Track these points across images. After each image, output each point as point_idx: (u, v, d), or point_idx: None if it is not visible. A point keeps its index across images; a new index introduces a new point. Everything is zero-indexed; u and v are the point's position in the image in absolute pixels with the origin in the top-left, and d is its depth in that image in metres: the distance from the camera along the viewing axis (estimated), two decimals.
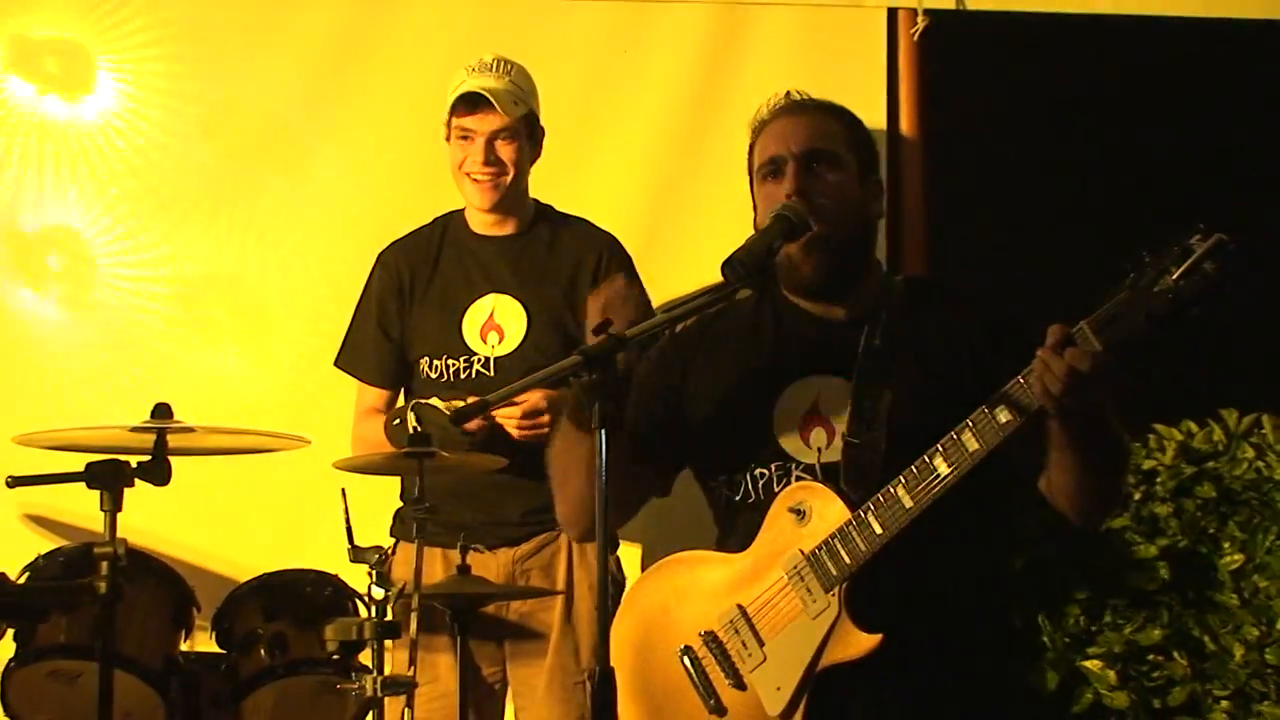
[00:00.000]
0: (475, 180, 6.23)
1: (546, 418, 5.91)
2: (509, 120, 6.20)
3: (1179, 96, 8.10)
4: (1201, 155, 8.19)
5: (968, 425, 4.13)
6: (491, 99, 6.17)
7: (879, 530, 4.19)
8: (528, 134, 6.30)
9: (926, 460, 4.18)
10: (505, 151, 6.21)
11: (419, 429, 5.70)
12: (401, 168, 7.16)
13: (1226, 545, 6.80)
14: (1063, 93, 8.01)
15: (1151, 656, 6.73)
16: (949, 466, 4.13)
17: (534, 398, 5.78)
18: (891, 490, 4.21)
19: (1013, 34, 7.29)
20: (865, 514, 4.22)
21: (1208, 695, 6.69)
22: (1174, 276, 3.82)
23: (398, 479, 6.26)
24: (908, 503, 4.17)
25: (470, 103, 6.20)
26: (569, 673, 6.14)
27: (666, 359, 4.76)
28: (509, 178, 6.22)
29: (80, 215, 7.11)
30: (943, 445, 4.16)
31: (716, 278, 4.22)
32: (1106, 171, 8.19)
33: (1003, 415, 4.08)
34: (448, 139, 6.35)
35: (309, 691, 5.83)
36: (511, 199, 6.28)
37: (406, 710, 5.59)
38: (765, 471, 4.51)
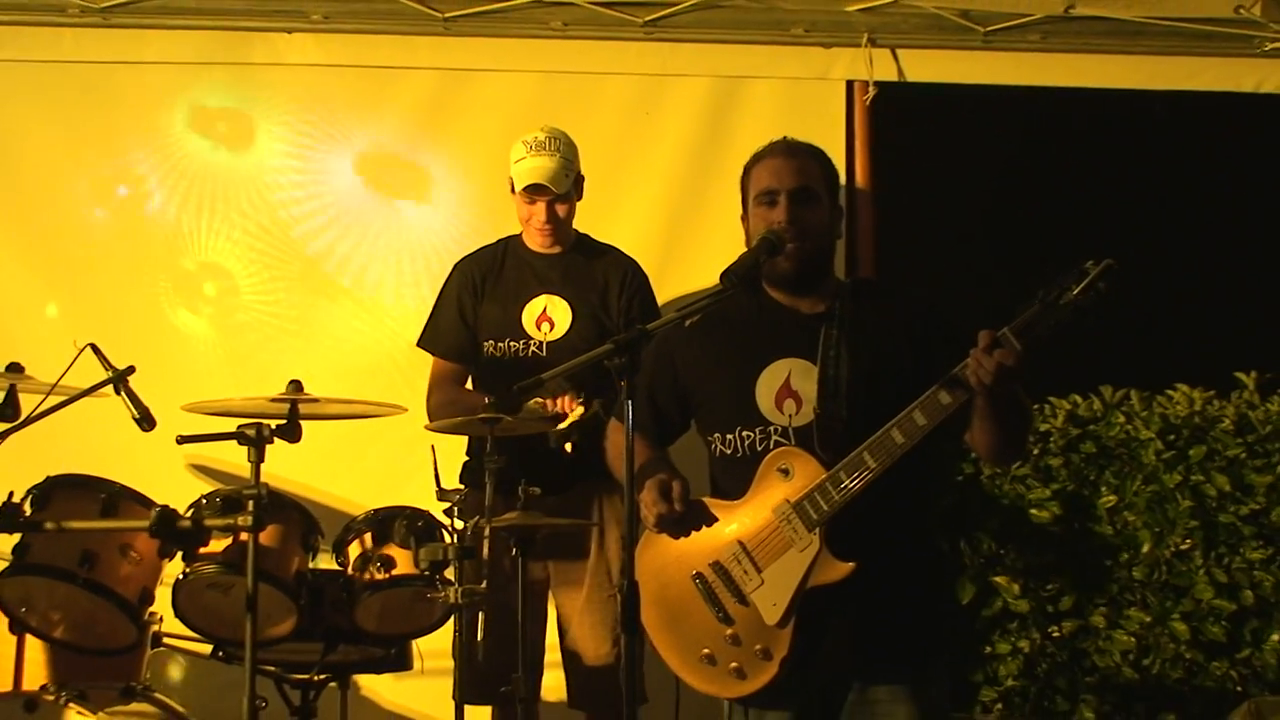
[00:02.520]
0: (539, 231, 6.41)
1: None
2: (561, 193, 6.35)
3: (1075, 150, 8.45)
4: (1092, 194, 8.55)
5: (917, 405, 4.35)
6: (549, 185, 6.31)
7: (849, 484, 4.40)
8: (574, 191, 6.44)
9: (886, 432, 4.36)
10: (560, 210, 6.38)
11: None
12: (473, 200, 7.30)
13: (1103, 489, 7.05)
14: (983, 145, 8.24)
15: (1045, 573, 6.93)
16: (904, 437, 4.35)
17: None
18: (859, 454, 4.40)
19: (944, 100, 7.42)
20: (838, 472, 4.42)
21: (1089, 602, 6.92)
22: (1074, 293, 4.11)
23: (467, 440, 6.35)
24: (872, 464, 4.38)
25: (537, 189, 6.31)
26: (602, 588, 6.26)
27: (659, 358, 4.89)
28: (562, 227, 6.43)
29: (230, 252, 7.31)
30: (898, 421, 4.35)
31: (715, 284, 4.52)
32: (1018, 206, 8.50)
33: (944, 398, 4.32)
34: (512, 191, 6.42)
35: (406, 599, 5.92)
36: (562, 235, 6.46)
37: (480, 614, 5.65)
38: (750, 434, 4.66)
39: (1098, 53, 7.28)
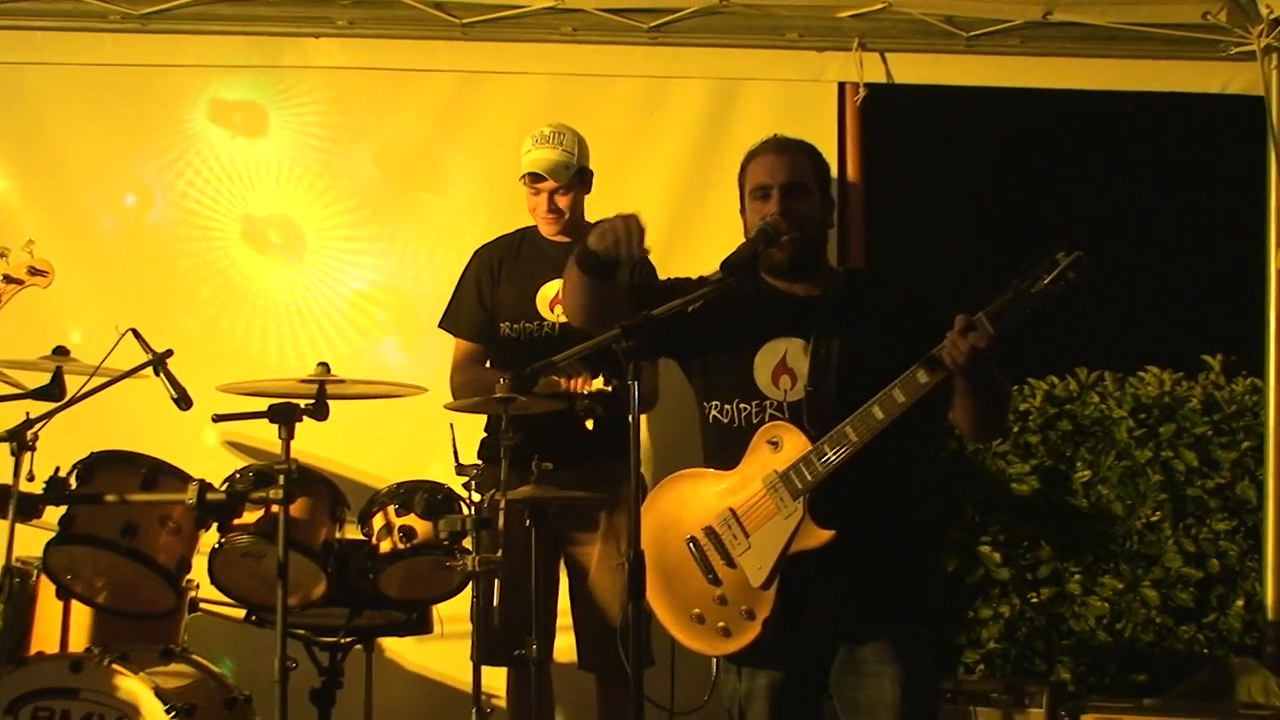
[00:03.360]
0: (542, 219, 6.46)
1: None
2: (560, 184, 6.39)
3: (1053, 147, 8.43)
4: (1068, 188, 8.53)
5: (897, 384, 4.36)
6: (547, 175, 6.37)
7: (832, 457, 4.43)
8: (579, 183, 6.46)
9: (868, 408, 4.38)
10: (561, 201, 6.40)
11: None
12: (491, 191, 7.29)
13: (1079, 464, 7.05)
14: (967, 143, 8.21)
15: (1025, 543, 6.97)
16: (883, 414, 4.36)
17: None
18: (842, 428, 4.42)
19: (930, 101, 7.39)
20: (823, 446, 4.44)
21: (1065, 570, 6.95)
22: (1045, 282, 4.12)
23: (484, 417, 6.32)
24: (854, 438, 4.40)
25: (535, 177, 6.40)
26: (610, 557, 6.24)
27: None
28: (566, 216, 6.43)
29: (235, 238, 7.35)
30: (879, 398, 4.37)
31: (716, 272, 4.57)
32: (999, 200, 8.49)
33: (922, 377, 4.33)
34: (523, 181, 6.45)
35: (427, 567, 5.96)
36: (569, 225, 6.43)
37: (495, 581, 5.72)
38: (746, 406, 4.68)
39: (1074, 56, 7.27)
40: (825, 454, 4.46)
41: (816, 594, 4.56)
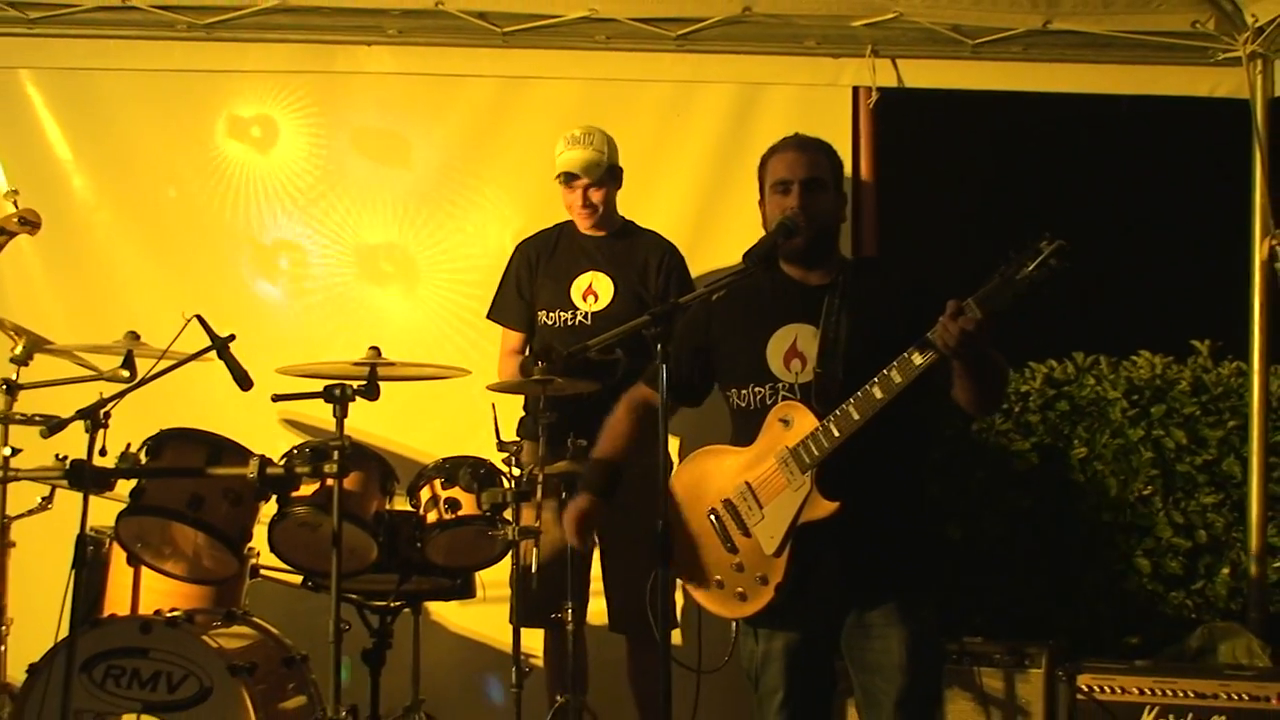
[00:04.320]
0: (578, 214, 6.52)
1: None
2: (593, 180, 6.46)
3: (1053, 146, 8.46)
4: (1067, 184, 8.56)
5: (894, 365, 4.34)
6: (580, 173, 6.44)
7: (836, 434, 4.44)
8: (610, 180, 6.52)
9: (868, 388, 4.38)
10: (595, 196, 6.47)
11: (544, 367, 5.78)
12: (530, 188, 7.27)
13: (1075, 442, 7.08)
14: (972, 142, 8.29)
15: (1025, 515, 6.98)
16: (882, 393, 4.36)
17: None
18: (845, 407, 4.43)
19: (938, 103, 7.41)
20: (828, 423, 4.45)
21: (1063, 540, 6.96)
22: (1029, 268, 4.07)
23: (523, 398, 6.47)
24: (855, 416, 4.40)
25: (570, 176, 6.46)
26: (638, 526, 6.16)
27: (697, 318, 4.90)
28: (599, 210, 6.50)
29: (292, 231, 7.40)
30: (878, 378, 4.37)
31: (738, 263, 4.56)
32: (1003, 194, 8.53)
33: (916, 359, 4.32)
34: (558, 180, 6.52)
35: (470, 536, 5.99)
36: (603, 219, 6.53)
37: (533, 549, 5.84)
38: (760, 389, 4.69)
39: (1072, 62, 7.25)
40: (831, 431, 4.46)
41: (825, 561, 4.57)
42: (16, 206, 5.63)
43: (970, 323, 4.21)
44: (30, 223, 5.65)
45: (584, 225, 6.57)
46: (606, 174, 6.52)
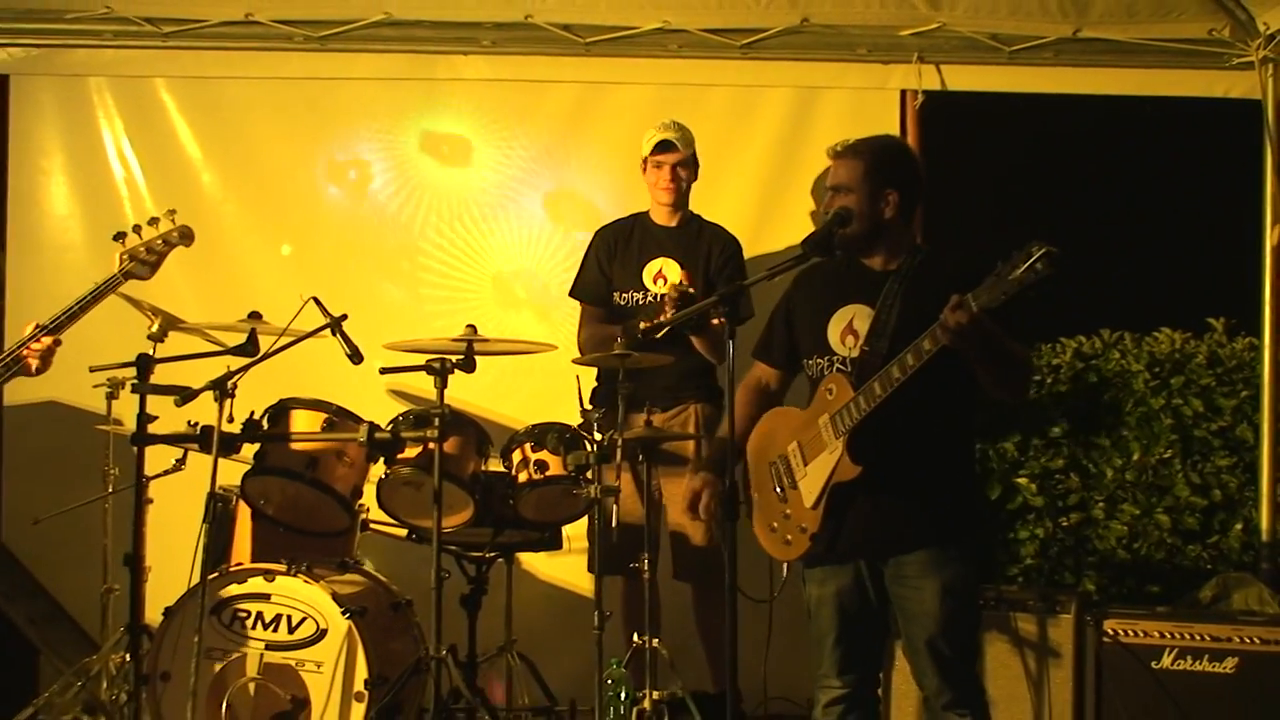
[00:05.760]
0: (664, 189, 6.58)
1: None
2: (683, 155, 6.57)
3: (1083, 143, 8.38)
4: (1096, 177, 8.50)
5: (909, 350, 4.35)
6: (675, 142, 6.54)
7: (865, 406, 4.46)
8: (692, 165, 6.63)
9: (889, 368, 4.41)
10: (682, 174, 6.58)
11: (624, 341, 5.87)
12: (606, 185, 7.36)
13: (1102, 410, 6.98)
14: (1010, 140, 8.21)
15: (1057, 475, 6.90)
16: (900, 373, 4.36)
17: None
18: (871, 383, 4.45)
19: (978, 104, 7.38)
20: (859, 396, 4.48)
21: (1091, 499, 6.88)
22: (1019, 271, 4.00)
23: (595, 370, 6.47)
24: (878, 391, 4.42)
25: (663, 146, 6.55)
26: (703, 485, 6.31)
27: (789, 294, 4.97)
28: (681, 188, 6.59)
29: (434, 235, 7.41)
30: (896, 360, 4.38)
31: (796, 248, 4.65)
32: (1038, 188, 8.46)
33: (925, 344, 4.30)
34: (644, 170, 6.63)
35: (557, 494, 6.01)
36: (678, 202, 6.61)
37: (614, 505, 5.97)
38: (821, 361, 4.72)
39: (1100, 66, 7.23)
40: (859, 403, 4.49)
41: (854, 515, 4.61)
42: (174, 223, 5.69)
43: (964, 316, 4.18)
44: (187, 236, 5.72)
45: (664, 201, 6.64)
46: (690, 157, 6.63)
